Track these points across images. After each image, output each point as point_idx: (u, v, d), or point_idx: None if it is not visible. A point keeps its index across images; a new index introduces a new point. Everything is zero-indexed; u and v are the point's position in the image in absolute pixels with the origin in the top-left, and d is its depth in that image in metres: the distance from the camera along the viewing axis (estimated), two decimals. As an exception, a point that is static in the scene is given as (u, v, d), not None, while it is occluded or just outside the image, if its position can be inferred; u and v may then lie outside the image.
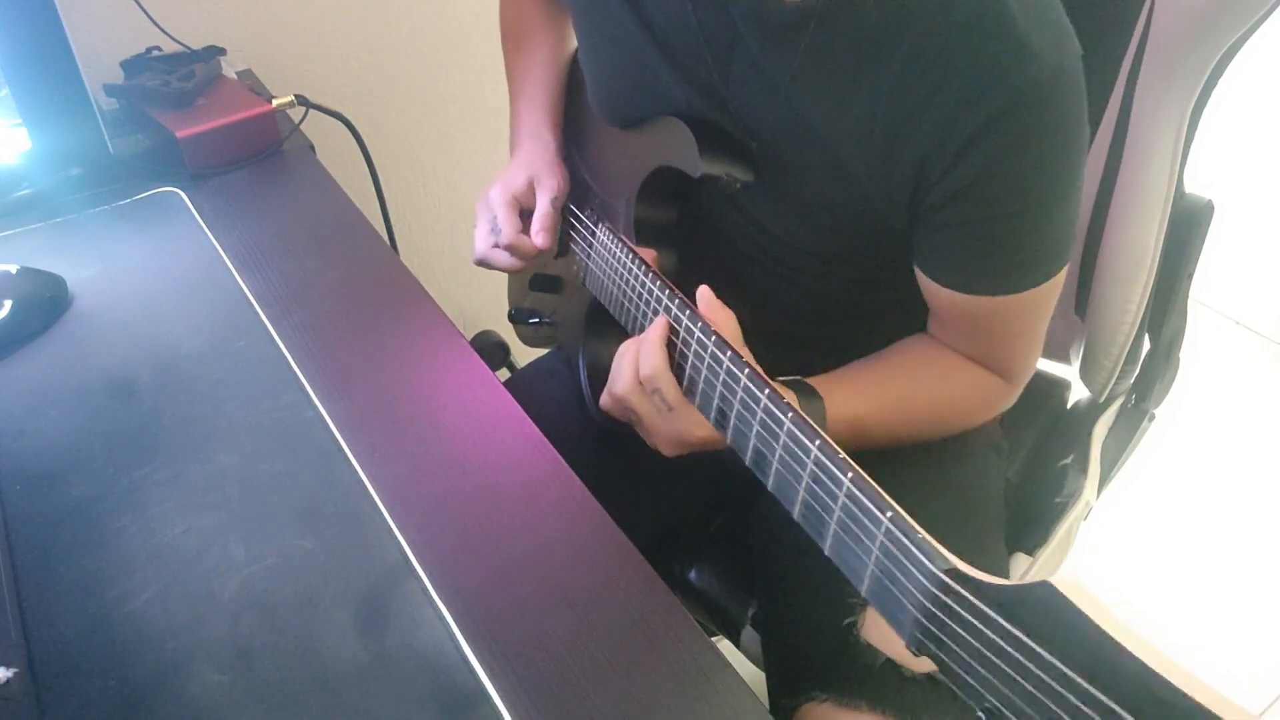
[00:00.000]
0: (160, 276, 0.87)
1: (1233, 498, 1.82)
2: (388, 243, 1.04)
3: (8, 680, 0.52)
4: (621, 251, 0.74)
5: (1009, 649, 0.35)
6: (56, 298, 0.82)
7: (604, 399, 0.70)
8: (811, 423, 0.50)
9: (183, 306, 0.83)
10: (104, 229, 0.94)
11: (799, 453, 0.50)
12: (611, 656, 0.56)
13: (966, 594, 0.38)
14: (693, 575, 0.94)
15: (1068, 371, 0.97)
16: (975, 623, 0.38)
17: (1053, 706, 0.33)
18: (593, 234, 0.82)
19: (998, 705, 0.36)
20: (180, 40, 1.11)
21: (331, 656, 0.55)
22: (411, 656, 0.55)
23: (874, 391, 0.73)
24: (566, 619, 0.58)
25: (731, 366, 0.56)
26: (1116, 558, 1.69)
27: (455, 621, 0.57)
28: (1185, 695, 0.28)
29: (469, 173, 1.57)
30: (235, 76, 1.12)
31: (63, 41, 0.89)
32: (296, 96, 1.05)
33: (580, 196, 0.88)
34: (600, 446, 0.85)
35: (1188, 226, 0.83)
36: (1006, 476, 0.90)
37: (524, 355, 1.14)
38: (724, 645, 0.90)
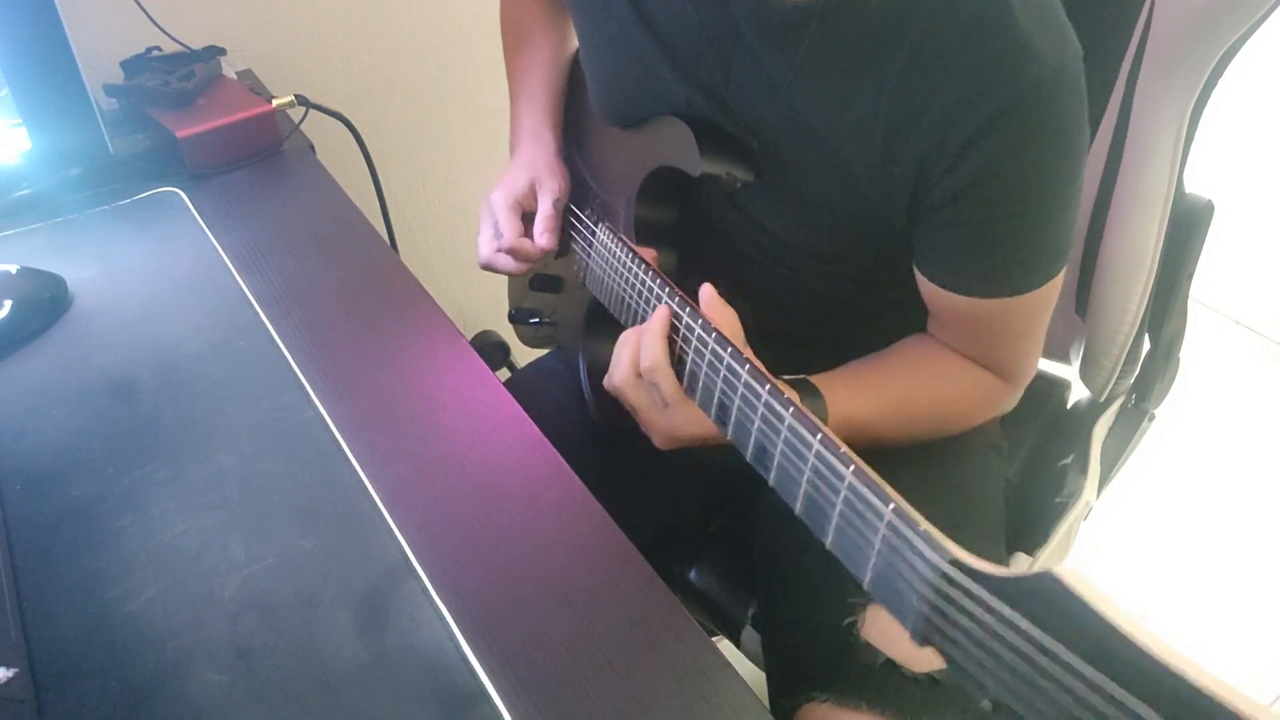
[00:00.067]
0: (160, 276, 0.87)
1: (1233, 498, 1.82)
2: (388, 243, 1.04)
3: (8, 680, 0.52)
4: (621, 251, 0.74)
5: (1014, 637, 0.35)
6: (56, 298, 0.82)
7: (604, 382, 0.70)
8: (813, 417, 0.50)
9: (183, 306, 0.83)
10: (104, 229, 0.94)
11: (800, 447, 0.50)
12: (611, 656, 0.56)
13: (970, 583, 0.38)
14: (693, 575, 0.94)
15: (1068, 371, 0.97)
16: (980, 611, 0.38)
17: (1059, 694, 0.33)
18: (593, 234, 0.82)
19: (1004, 695, 0.36)
20: (180, 40, 1.11)
21: (331, 656, 0.55)
22: (411, 656, 0.55)
23: (875, 391, 0.73)
24: (566, 619, 0.58)
25: (732, 363, 0.56)
26: (1116, 558, 1.69)
27: (455, 621, 0.57)
28: (1188, 681, 0.28)
29: (469, 173, 1.57)
30: (235, 76, 1.12)
31: (63, 41, 0.89)
32: (296, 96, 1.05)
33: (580, 196, 0.87)
34: (600, 446, 0.85)
35: (1188, 226, 0.83)
36: (1006, 476, 0.90)
37: (524, 355, 1.14)
38: (724, 645, 0.90)
